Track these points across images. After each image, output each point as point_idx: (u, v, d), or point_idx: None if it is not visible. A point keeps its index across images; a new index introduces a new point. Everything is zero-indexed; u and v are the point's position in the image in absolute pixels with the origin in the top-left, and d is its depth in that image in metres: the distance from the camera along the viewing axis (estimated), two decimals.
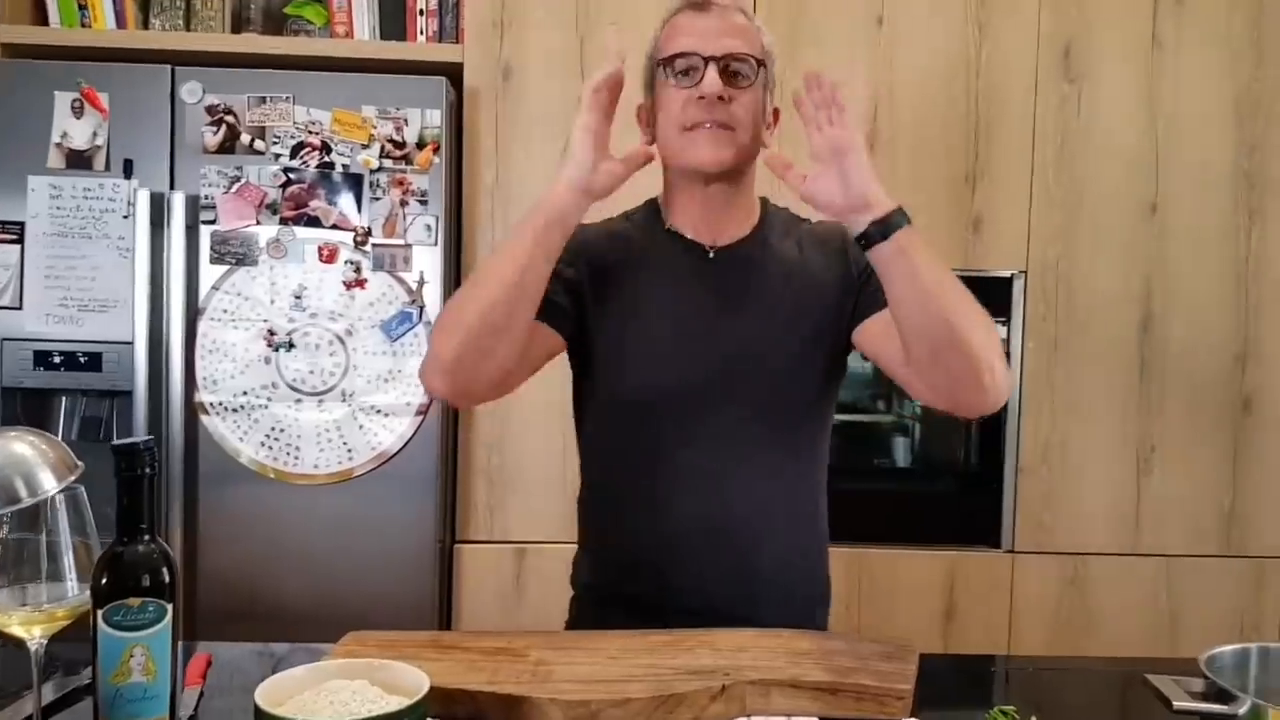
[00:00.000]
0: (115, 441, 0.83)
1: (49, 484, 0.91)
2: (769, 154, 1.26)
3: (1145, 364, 2.40)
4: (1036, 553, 2.38)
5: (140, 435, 0.82)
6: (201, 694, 1.11)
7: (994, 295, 2.39)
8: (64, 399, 2.27)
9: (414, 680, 0.97)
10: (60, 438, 2.19)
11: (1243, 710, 0.91)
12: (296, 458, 2.20)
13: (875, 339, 1.34)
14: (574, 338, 1.37)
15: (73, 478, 0.91)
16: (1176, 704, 0.94)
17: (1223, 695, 0.94)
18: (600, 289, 1.36)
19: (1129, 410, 2.40)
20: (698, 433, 1.35)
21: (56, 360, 2.19)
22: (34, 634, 0.91)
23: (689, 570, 1.35)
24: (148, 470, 0.83)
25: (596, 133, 1.23)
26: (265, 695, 0.91)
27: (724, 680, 1.09)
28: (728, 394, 1.34)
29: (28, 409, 2.24)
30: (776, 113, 1.39)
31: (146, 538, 0.83)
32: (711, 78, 1.28)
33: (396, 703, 0.93)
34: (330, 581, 2.20)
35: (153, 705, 0.82)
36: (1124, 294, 2.40)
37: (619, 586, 1.41)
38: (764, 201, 1.44)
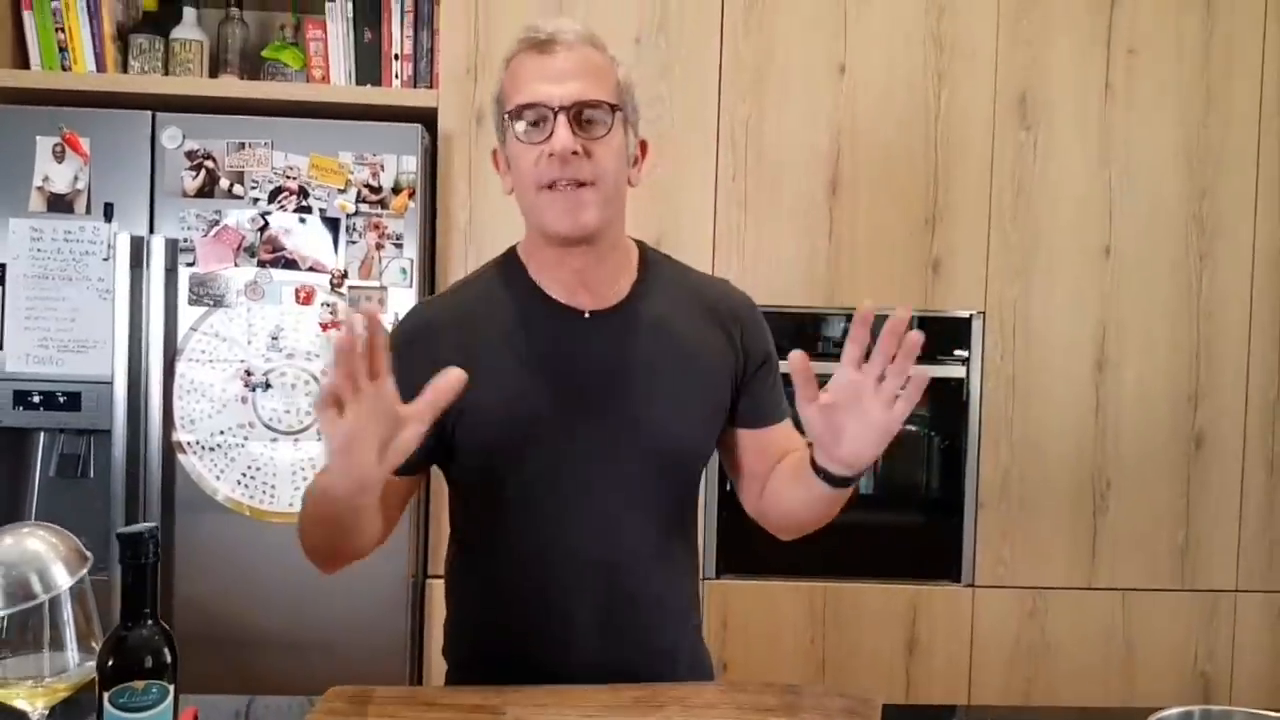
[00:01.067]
0: (120, 530, 0.87)
1: (62, 579, 0.94)
2: (797, 359, 1.05)
3: (1100, 402, 2.48)
4: (996, 587, 2.45)
5: (145, 524, 0.86)
6: None
7: (953, 335, 2.47)
8: (42, 436, 2.30)
9: None
10: (38, 475, 2.26)
11: None
12: (272, 496, 2.24)
13: (743, 451, 1.36)
14: (432, 458, 1.28)
15: (84, 570, 0.95)
16: None
17: None
18: (460, 402, 1.06)
19: (1084, 447, 2.48)
20: (582, 503, 1.28)
21: (36, 400, 2.22)
22: (36, 706, 0.95)
23: (575, 631, 1.31)
24: (151, 558, 0.87)
25: (348, 432, 0.96)
26: None
27: None
28: (612, 460, 1.28)
29: (6, 446, 2.27)
30: (644, 146, 1.31)
31: (150, 621, 0.87)
32: (562, 134, 1.17)
33: None
34: (305, 615, 2.23)
35: None
36: (1079, 334, 2.48)
37: (494, 649, 1.36)
38: (641, 248, 1.35)
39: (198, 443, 2.23)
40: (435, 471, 1.34)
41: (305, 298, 2.22)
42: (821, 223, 2.43)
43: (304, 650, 2.19)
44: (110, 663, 0.85)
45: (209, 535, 2.24)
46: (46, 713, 0.96)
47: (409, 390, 1.00)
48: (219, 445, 2.23)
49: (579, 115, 1.19)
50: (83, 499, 2.27)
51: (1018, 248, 2.47)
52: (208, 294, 2.22)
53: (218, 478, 2.23)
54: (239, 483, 2.23)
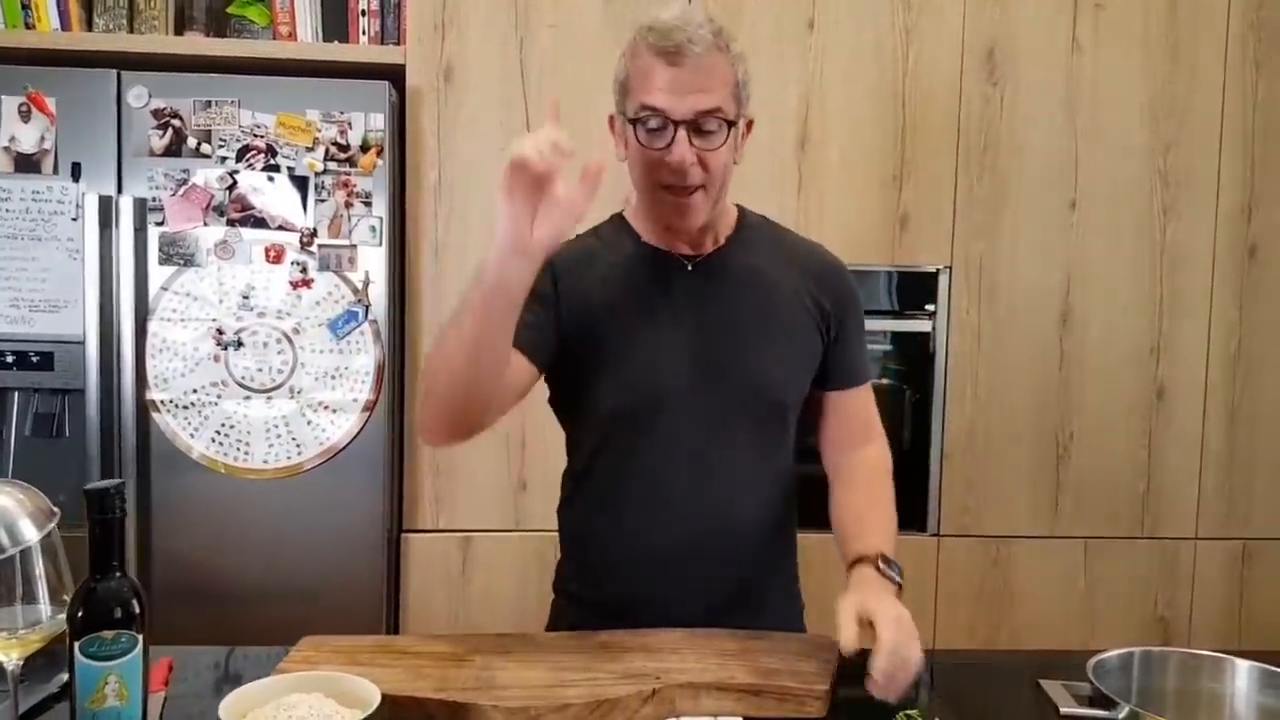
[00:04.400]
0: (87, 486, 0.90)
1: (30, 534, 0.97)
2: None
3: (1064, 355, 2.52)
4: (961, 535, 2.51)
5: (111, 480, 0.89)
6: (165, 700, 1.18)
7: (920, 289, 2.50)
8: (17, 396, 2.30)
9: (366, 693, 1.05)
10: (14, 435, 2.27)
11: (1121, 715, 1.00)
12: (246, 453, 2.26)
13: (819, 412, 1.45)
14: (552, 361, 1.35)
15: (51, 525, 0.98)
16: (1064, 710, 1.03)
17: (1106, 701, 1.03)
18: (577, 308, 1.33)
19: (1048, 398, 2.52)
20: (679, 444, 1.36)
21: (9, 359, 2.22)
22: (11, 656, 0.99)
23: (669, 576, 1.39)
24: (117, 512, 0.90)
25: (520, 192, 1.09)
26: (228, 710, 0.99)
27: (655, 684, 1.18)
28: (708, 405, 1.35)
29: None
30: (750, 124, 1.36)
31: (118, 574, 0.90)
32: (682, 148, 1.24)
33: (350, 716, 1.01)
34: (282, 570, 2.27)
35: None
36: (1044, 287, 2.51)
37: (598, 591, 1.44)
38: (740, 210, 1.44)
39: (171, 401, 2.24)
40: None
41: (275, 256, 2.23)
42: (790, 179, 2.44)
43: (282, 603, 2.22)
44: (80, 613, 0.88)
45: (185, 492, 2.26)
46: (20, 663, 0.99)
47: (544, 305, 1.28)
48: (192, 404, 2.24)
49: (698, 126, 1.24)
50: (58, 458, 2.28)
51: (984, 202, 2.49)
52: (178, 253, 2.22)
53: (192, 435, 2.25)
54: (213, 440, 2.25)
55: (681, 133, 1.23)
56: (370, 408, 2.27)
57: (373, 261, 2.25)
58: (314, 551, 2.28)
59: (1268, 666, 1.08)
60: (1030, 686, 1.07)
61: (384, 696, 1.12)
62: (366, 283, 2.25)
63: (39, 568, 1.00)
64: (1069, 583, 2.53)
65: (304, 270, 2.23)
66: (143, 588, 0.93)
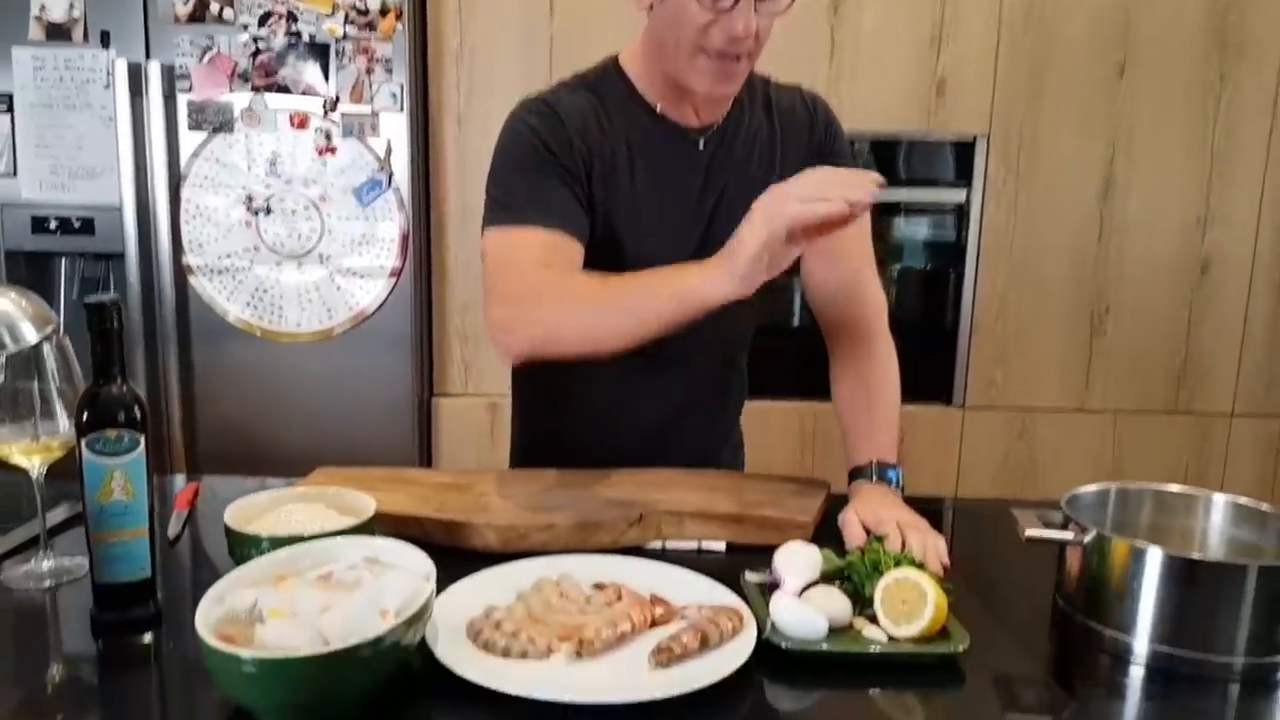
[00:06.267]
0: (87, 299, 0.94)
1: (30, 335, 1.03)
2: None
3: (1104, 225, 2.46)
4: (986, 408, 2.50)
5: (109, 294, 0.94)
6: (188, 517, 1.25)
7: (955, 159, 2.44)
8: (63, 261, 2.38)
9: (363, 505, 1.10)
10: (62, 298, 2.36)
11: (1087, 539, 1.00)
12: (280, 317, 2.32)
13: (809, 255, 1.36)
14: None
15: (49, 329, 1.03)
16: (1028, 531, 1.03)
17: (1078, 530, 1.03)
18: (594, 175, 1.27)
19: (1085, 270, 2.47)
20: None
21: (52, 226, 2.30)
22: (34, 463, 1.06)
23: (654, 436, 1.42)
24: (116, 324, 0.94)
25: (810, 237, 1.04)
26: (233, 516, 1.05)
27: (641, 510, 1.21)
28: None
29: (31, 272, 2.36)
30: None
31: (119, 380, 0.95)
32: (748, 15, 1.14)
33: (345, 523, 1.06)
34: (318, 430, 2.35)
35: (133, 519, 0.96)
36: (1086, 156, 2.44)
37: (556, 442, 1.47)
38: None
39: (206, 266, 2.30)
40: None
41: (300, 123, 2.25)
42: (821, 44, 2.38)
43: (318, 459, 2.29)
44: (85, 415, 0.93)
45: (224, 357, 2.34)
46: (44, 470, 1.07)
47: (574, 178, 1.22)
48: (226, 269, 2.30)
49: None
50: None
51: (1027, 67, 2.41)
52: (206, 120, 2.25)
53: (227, 300, 2.31)
54: (248, 304, 2.31)
55: (750, 2, 1.14)
56: (396, 274, 2.31)
57: (395, 129, 2.26)
58: (348, 412, 2.35)
59: (1243, 500, 1.06)
60: (1004, 518, 1.07)
61: (385, 514, 1.18)
62: (389, 151, 2.26)
63: (54, 385, 1.06)
64: (1096, 457, 2.51)
65: (328, 137, 2.25)
66: (144, 399, 0.98)
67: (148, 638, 0.97)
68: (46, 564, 1.08)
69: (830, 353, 1.41)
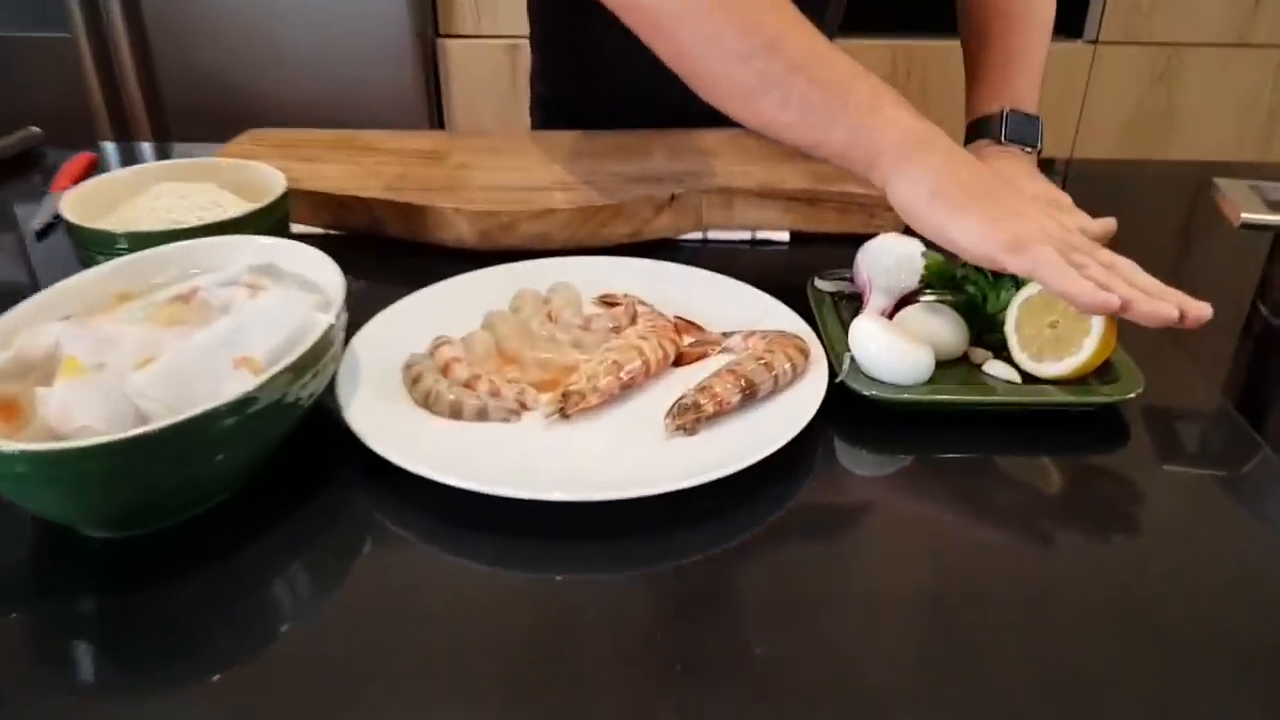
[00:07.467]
0: None
1: None
2: None
3: None
4: (1125, 43, 2.02)
5: None
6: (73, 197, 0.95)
7: None
8: None
9: (272, 183, 0.79)
10: None
11: None
12: None
13: None
14: None
15: None
16: (1245, 216, 0.70)
17: None
18: None
19: None
20: None
21: None
22: None
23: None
24: None
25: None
26: (74, 205, 0.74)
27: (674, 189, 0.89)
28: None
29: None
30: None
31: None
32: None
33: (234, 210, 0.75)
34: (306, 80, 1.97)
35: None
36: None
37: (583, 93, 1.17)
38: None
39: None
40: None
41: None
42: None
43: (308, 114, 1.95)
44: None
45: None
46: None
47: None
48: None
49: None
50: None
51: None
52: None
53: None
54: None
55: None
56: None
57: None
58: (338, 55, 1.96)
59: None
60: (1194, 192, 0.72)
61: (310, 187, 0.86)
62: None
63: None
64: (1249, 101, 2.05)
65: None
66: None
67: None
68: None
69: None
